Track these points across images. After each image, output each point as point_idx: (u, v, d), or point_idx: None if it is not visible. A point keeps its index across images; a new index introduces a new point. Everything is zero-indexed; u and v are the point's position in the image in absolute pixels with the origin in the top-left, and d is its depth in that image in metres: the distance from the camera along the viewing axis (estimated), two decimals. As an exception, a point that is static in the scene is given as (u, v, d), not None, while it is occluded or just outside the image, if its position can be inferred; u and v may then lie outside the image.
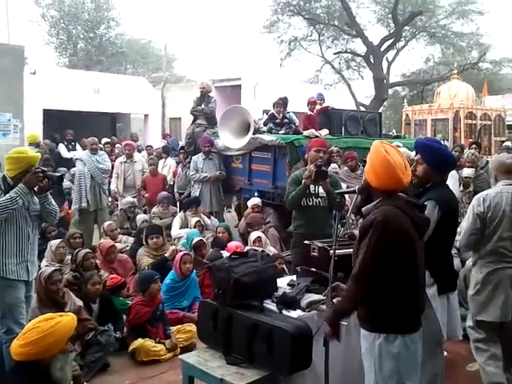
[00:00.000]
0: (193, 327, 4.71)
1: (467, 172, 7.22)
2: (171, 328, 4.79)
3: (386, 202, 2.72)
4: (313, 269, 3.70)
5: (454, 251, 5.92)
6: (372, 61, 22.99)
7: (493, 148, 12.94)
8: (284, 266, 5.97)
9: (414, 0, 23.56)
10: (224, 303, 3.36)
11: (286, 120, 8.06)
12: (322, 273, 3.49)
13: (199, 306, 3.75)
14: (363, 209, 2.83)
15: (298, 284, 3.57)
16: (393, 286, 2.65)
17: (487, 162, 8.59)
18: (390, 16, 23.07)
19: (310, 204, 5.06)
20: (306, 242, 3.93)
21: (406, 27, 23.71)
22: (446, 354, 4.13)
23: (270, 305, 3.40)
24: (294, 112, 8.81)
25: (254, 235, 6.51)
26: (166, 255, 5.81)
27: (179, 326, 4.86)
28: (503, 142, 12.72)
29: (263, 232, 6.88)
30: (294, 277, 3.95)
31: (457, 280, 3.92)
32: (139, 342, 4.48)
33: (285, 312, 3.31)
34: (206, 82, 9.95)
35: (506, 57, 25.31)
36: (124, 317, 4.83)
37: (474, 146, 8.73)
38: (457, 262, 5.84)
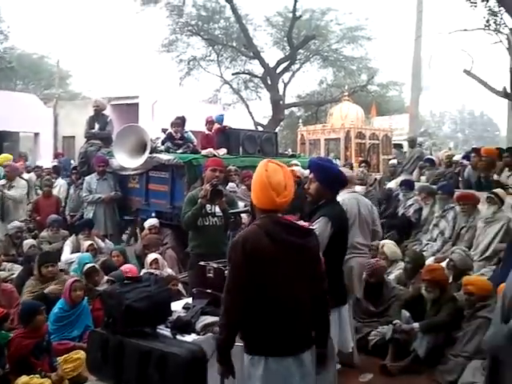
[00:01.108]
0: (81, 354, 4.42)
1: (358, 189, 7.55)
2: (58, 359, 4.47)
3: (257, 222, 2.71)
4: (208, 290, 3.64)
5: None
6: (269, 82, 23.63)
7: (381, 166, 13.70)
8: (181, 288, 5.85)
9: (308, 24, 24.68)
10: (114, 331, 3.19)
11: (181, 140, 7.98)
12: (217, 294, 3.44)
13: (88, 336, 3.54)
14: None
15: (194, 306, 3.50)
16: (257, 309, 2.61)
17: (375, 179, 9.11)
18: (285, 39, 23.92)
19: (207, 224, 5.02)
20: (201, 263, 3.86)
21: (301, 50, 24.69)
22: (338, 366, 4.24)
23: (164, 330, 3.29)
24: (192, 131, 8.76)
25: (150, 257, 6.32)
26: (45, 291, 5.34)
27: (66, 356, 4.55)
28: (390, 159, 13.53)
29: (160, 254, 6.71)
30: (189, 299, 3.87)
31: (347, 294, 4.05)
32: (23, 379, 4.13)
33: (179, 337, 3.21)
34: (100, 99, 9.62)
35: (391, 80, 27.24)
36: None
37: (363, 164, 9.19)
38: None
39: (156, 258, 6.31)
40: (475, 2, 11.02)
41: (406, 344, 4.82)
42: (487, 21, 11.40)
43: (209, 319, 3.35)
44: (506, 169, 6.50)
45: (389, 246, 6.21)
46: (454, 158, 8.17)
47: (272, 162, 2.80)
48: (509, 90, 8.99)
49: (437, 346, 4.71)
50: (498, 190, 6.06)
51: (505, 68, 9.14)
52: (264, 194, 2.68)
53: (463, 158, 8.00)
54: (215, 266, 3.69)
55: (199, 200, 4.89)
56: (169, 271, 6.39)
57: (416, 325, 4.80)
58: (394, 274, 5.95)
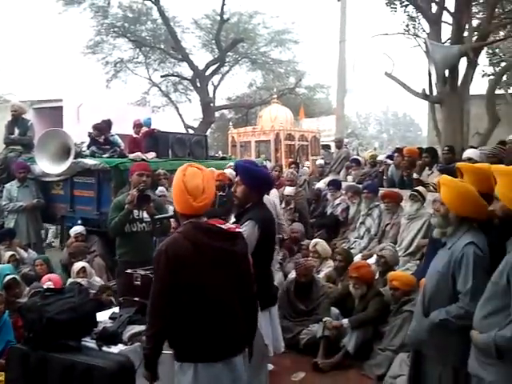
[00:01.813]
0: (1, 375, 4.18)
1: (288, 190, 7.63)
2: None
3: (180, 229, 2.68)
4: (136, 298, 3.54)
5: (277, 266, 6.25)
6: (198, 84, 23.55)
7: (310, 166, 13.97)
8: (113, 298, 5.67)
9: (236, 27, 24.80)
10: (36, 346, 3.03)
11: (108, 144, 7.77)
12: (145, 302, 3.35)
13: (7, 353, 3.34)
14: None
15: (120, 316, 3.39)
16: (184, 316, 2.59)
17: (305, 180, 9.26)
18: (213, 42, 23.90)
19: (135, 230, 4.89)
20: (128, 270, 3.76)
21: (230, 53, 24.79)
22: (271, 366, 4.26)
23: (90, 342, 3.16)
24: (120, 134, 8.55)
25: (77, 266, 6.09)
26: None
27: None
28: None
29: (88, 262, 6.49)
30: (116, 309, 3.75)
31: (277, 294, 4.07)
32: None
33: (105, 348, 3.10)
34: (18, 103, 9.16)
35: (318, 83, 27.91)
36: None
37: (293, 165, 9.31)
38: (279, 275, 6.15)
39: (83, 267, 6.10)
40: (395, 8, 11.49)
41: (336, 341, 4.93)
42: (407, 25, 11.92)
43: (136, 328, 3.26)
44: (427, 168, 6.80)
45: (321, 244, 6.33)
46: (378, 158, 8.45)
47: (192, 165, 2.77)
48: (428, 92, 9.41)
49: (365, 340, 4.85)
50: (420, 188, 6.31)
51: (424, 71, 9.55)
52: (182, 199, 2.66)
53: (387, 157, 8.28)
54: (142, 273, 3.60)
55: (126, 206, 4.76)
56: (97, 280, 6.19)
57: (345, 321, 4.92)
58: (324, 272, 6.07)
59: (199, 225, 2.68)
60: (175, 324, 2.59)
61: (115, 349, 3.11)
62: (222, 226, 2.76)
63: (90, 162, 7.31)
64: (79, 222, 7.37)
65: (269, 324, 3.64)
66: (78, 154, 7.52)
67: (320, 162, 10.83)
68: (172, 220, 5.49)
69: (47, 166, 7.47)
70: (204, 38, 25.74)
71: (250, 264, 2.86)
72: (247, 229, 3.26)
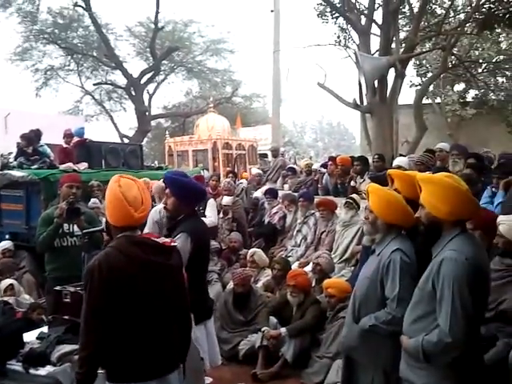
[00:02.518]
0: None
1: (226, 200, 7.60)
2: None
3: (113, 243, 2.59)
4: (66, 316, 3.39)
5: (215, 277, 6.22)
6: (133, 93, 23.15)
7: (249, 176, 14.01)
8: (44, 316, 5.42)
9: (171, 36, 24.63)
10: (-46, 374, 2.84)
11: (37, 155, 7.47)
12: (75, 320, 3.21)
13: None
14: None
15: (49, 336, 3.23)
16: (118, 335, 2.48)
17: (242, 189, 9.26)
18: (148, 50, 23.60)
19: (65, 244, 4.70)
20: (57, 287, 3.60)
21: (165, 61, 24.56)
22: (209, 379, 4.21)
23: (15, 365, 3.00)
24: (50, 144, 8.24)
25: (4, 283, 5.81)
26: None
27: None
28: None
29: (16, 279, 6.18)
30: (45, 328, 3.57)
31: (212, 307, 4.03)
32: None
33: (32, 371, 2.94)
34: None
35: (254, 92, 28.16)
36: None
37: (230, 175, 9.29)
38: (218, 286, 6.12)
39: (11, 284, 5.82)
40: (326, 19, 11.79)
41: (275, 350, 4.93)
42: (338, 37, 12.27)
43: (66, 348, 3.11)
44: (359, 176, 6.97)
45: (258, 254, 6.34)
46: (313, 167, 8.60)
47: (124, 176, 2.69)
48: (358, 102, 9.70)
49: (303, 348, 4.88)
50: (355, 196, 6.46)
51: (355, 81, 9.86)
52: (120, 211, 2.56)
53: (321, 166, 8.44)
54: (72, 290, 3.46)
55: (55, 219, 4.57)
56: (26, 298, 5.92)
57: (283, 330, 4.93)
58: (262, 281, 6.08)
59: (134, 238, 2.60)
60: (109, 343, 2.48)
61: (43, 371, 2.96)
62: (157, 240, 2.69)
63: (17, 173, 7.02)
64: (7, 236, 7.04)
65: (205, 337, 3.59)
66: (5, 166, 7.21)
67: (257, 171, 10.88)
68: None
69: (-30, 178, 7.08)
70: (138, 46, 25.40)
71: (184, 278, 2.81)
72: (180, 241, 3.21)
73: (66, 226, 4.69)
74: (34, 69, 24.00)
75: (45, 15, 22.79)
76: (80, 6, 21.52)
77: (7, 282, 5.86)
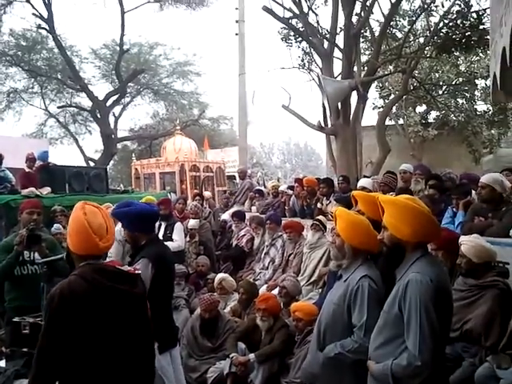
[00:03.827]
0: None
1: (192, 223, 7.54)
2: None
3: (76, 271, 2.51)
4: (25, 349, 3.27)
5: (182, 302, 6.11)
6: (99, 115, 22.92)
7: (216, 197, 13.97)
8: (3, 349, 5.21)
9: (137, 58, 24.61)
10: None
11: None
12: (34, 353, 3.10)
13: None
14: None
15: (6, 371, 3.10)
16: (78, 367, 2.39)
17: (210, 212, 9.20)
18: (114, 72, 23.48)
19: (25, 273, 4.55)
20: (15, 318, 3.47)
21: (131, 84, 24.47)
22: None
23: (-30, 403, 2.86)
24: (12, 168, 8.06)
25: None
26: None
27: None
28: (225, 191, 13.85)
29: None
30: (3, 362, 3.43)
31: (178, 334, 3.94)
32: None
33: (-12, 409, 2.81)
34: None
35: (221, 115, 28.29)
36: None
37: (197, 197, 9.22)
38: (185, 312, 6.02)
39: (-33, 316, 5.56)
40: (290, 43, 11.99)
41: (243, 376, 4.85)
42: (302, 60, 12.47)
43: (24, 382, 2.99)
44: (324, 198, 7.01)
45: (227, 279, 6.22)
46: (280, 189, 8.60)
47: (88, 203, 2.63)
48: (323, 124, 9.83)
49: (272, 374, 4.81)
50: (321, 217, 6.48)
51: (319, 103, 10.00)
52: (85, 239, 2.49)
53: (288, 188, 8.46)
54: (32, 320, 3.35)
55: (15, 247, 4.43)
56: (-16, 329, 5.67)
57: (251, 355, 4.86)
58: (229, 306, 6.00)
59: (99, 266, 2.53)
60: (65, 373, 2.37)
61: (0, 408, 2.83)
62: (121, 268, 2.64)
63: (-24, 199, 6.80)
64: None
65: (170, 366, 3.51)
66: (-37, 192, 6.99)
67: (208, 193, 10.80)
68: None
69: None
70: (104, 69, 25.26)
71: (147, 306, 2.75)
72: (140, 267, 3.15)
73: (26, 253, 4.54)
74: (-4, 91, 23.61)
75: (7, 37, 22.49)
76: (43, 28, 21.32)
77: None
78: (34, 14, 21.07)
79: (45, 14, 20.88)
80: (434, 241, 3.39)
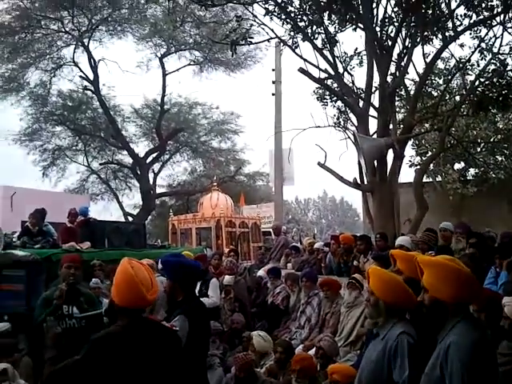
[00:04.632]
0: None
1: (227, 279, 7.53)
2: None
3: (120, 323, 2.57)
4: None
5: (217, 361, 6.02)
6: (138, 172, 23.58)
7: (251, 253, 13.95)
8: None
9: (177, 117, 25.46)
10: None
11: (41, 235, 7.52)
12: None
13: None
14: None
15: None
16: None
17: (245, 267, 9.19)
18: (154, 131, 24.31)
19: (63, 327, 4.62)
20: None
21: (170, 142, 25.21)
22: None
23: None
24: (54, 223, 8.31)
25: (-2, 368, 5.60)
26: None
27: None
28: (260, 247, 13.82)
29: (14, 362, 5.97)
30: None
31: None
32: None
33: None
34: None
35: (257, 171, 28.62)
36: None
37: (232, 253, 9.25)
38: (220, 371, 5.92)
39: (5, 369, 5.61)
40: (326, 102, 12.21)
41: None
42: (337, 118, 12.63)
43: None
44: (362, 255, 6.94)
45: (257, 338, 6.06)
46: (315, 246, 8.56)
47: (131, 259, 2.74)
48: (359, 181, 9.83)
49: None
50: (357, 275, 6.38)
51: (354, 160, 10.04)
52: (133, 292, 2.56)
53: (324, 245, 8.42)
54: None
55: (54, 301, 4.52)
56: (22, 383, 5.69)
57: (287, 419, 4.71)
58: (266, 366, 5.86)
59: (143, 320, 2.60)
60: None
61: None
62: (164, 323, 2.69)
63: (20, 253, 6.97)
64: (5, 317, 6.90)
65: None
66: (8, 245, 7.20)
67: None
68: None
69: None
70: (145, 127, 26.17)
71: (183, 363, 2.75)
72: (177, 324, 3.16)
73: (65, 307, 4.63)
74: (42, 149, 24.64)
75: (55, 98, 23.75)
76: (89, 89, 22.49)
77: (1, 366, 5.68)
78: (81, 76, 22.34)
79: (91, 76, 22.09)
80: (476, 302, 3.30)
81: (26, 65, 22.00)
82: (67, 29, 21.41)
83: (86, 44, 21.66)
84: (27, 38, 21.29)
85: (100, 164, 25.78)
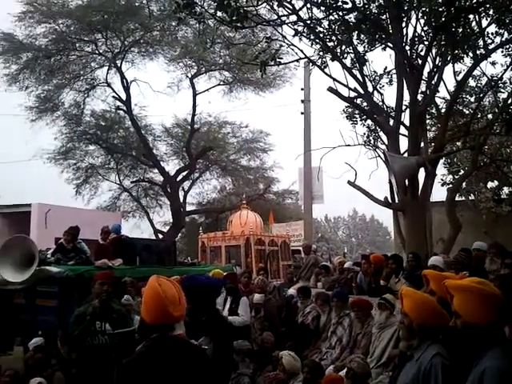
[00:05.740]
0: None
1: (257, 298, 7.52)
2: None
3: (149, 342, 2.60)
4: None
5: (246, 380, 5.99)
6: (169, 190, 23.87)
7: (281, 272, 13.90)
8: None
9: (206, 136, 25.74)
10: None
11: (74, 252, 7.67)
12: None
13: None
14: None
15: None
16: None
17: (274, 287, 9.16)
18: (184, 149, 24.62)
19: (96, 343, 4.69)
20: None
21: (200, 160, 25.47)
22: None
23: None
24: (87, 240, 8.47)
25: (33, 382, 5.70)
26: None
27: None
28: (289, 265, 13.77)
29: (47, 377, 6.09)
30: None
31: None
32: None
33: None
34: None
35: (287, 189, 28.59)
36: None
37: (261, 271, 9.24)
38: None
39: (40, 383, 5.72)
40: (355, 121, 12.21)
41: None
42: (367, 137, 12.60)
43: None
44: (393, 275, 6.85)
45: (286, 358, 5.94)
46: (345, 265, 8.49)
47: (160, 277, 2.77)
48: (390, 200, 9.74)
49: None
50: (388, 296, 6.28)
51: (385, 179, 9.98)
52: (160, 309, 2.60)
53: (354, 264, 8.35)
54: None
55: (87, 317, 4.61)
56: (54, 398, 5.80)
57: None
58: (295, 386, 5.80)
59: (172, 338, 2.63)
60: None
61: None
62: (193, 341, 2.71)
63: (54, 269, 7.15)
64: (40, 332, 7.04)
65: None
66: (43, 262, 7.36)
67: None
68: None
69: (9, 273, 7.24)
70: (175, 146, 26.51)
71: (211, 382, 2.77)
72: (204, 343, 3.18)
73: (98, 323, 4.71)
74: (75, 167, 25.18)
75: (88, 118, 24.34)
76: (121, 109, 22.99)
77: (36, 380, 5.79)
78: (113, 96, 22.88)
79: (123, 97, 22.60)
80: (510, 325, 3.23)
81: (61, 86, 22.64)
82: (101, 51, 22.01)
83: (119, 65, 22.21)
84: (62, 60, 21.96)
85: (131, 182, 26.19)
